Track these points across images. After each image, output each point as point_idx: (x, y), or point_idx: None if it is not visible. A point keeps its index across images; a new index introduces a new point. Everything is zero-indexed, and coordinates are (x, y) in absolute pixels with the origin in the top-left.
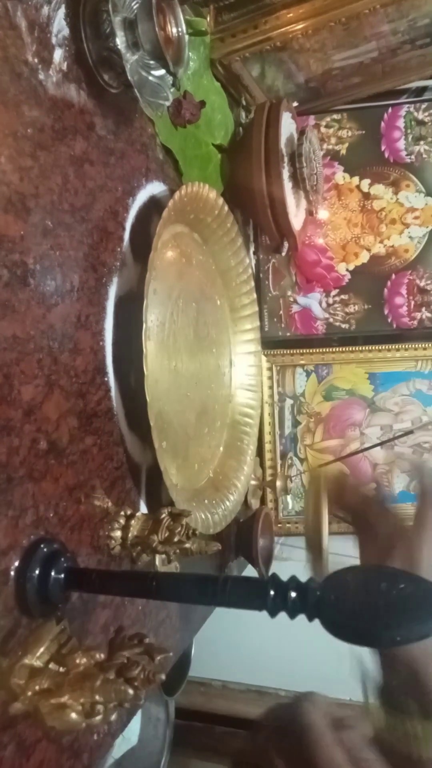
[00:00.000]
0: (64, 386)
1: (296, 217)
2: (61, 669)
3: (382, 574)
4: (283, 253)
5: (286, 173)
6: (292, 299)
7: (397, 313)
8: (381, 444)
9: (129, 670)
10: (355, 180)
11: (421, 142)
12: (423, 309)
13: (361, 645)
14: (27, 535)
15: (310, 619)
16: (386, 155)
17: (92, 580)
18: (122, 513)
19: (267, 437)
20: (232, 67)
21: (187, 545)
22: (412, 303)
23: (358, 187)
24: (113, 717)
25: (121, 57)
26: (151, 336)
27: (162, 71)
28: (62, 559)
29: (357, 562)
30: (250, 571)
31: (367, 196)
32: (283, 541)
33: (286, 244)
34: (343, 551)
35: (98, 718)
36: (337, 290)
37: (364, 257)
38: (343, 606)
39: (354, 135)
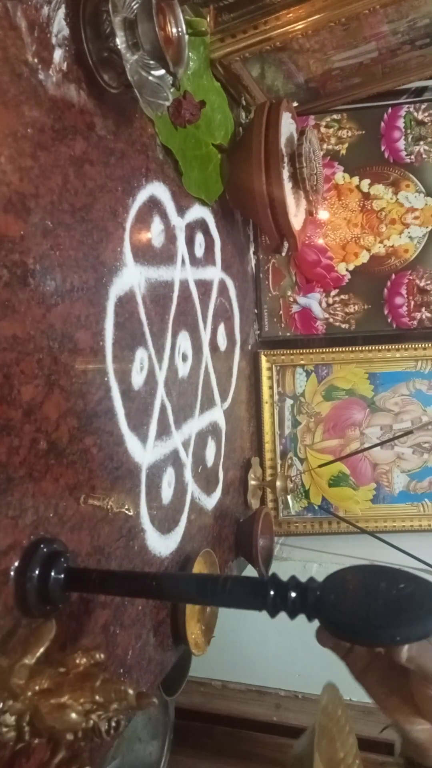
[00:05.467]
0: (64, 386)
1: (296, 217)
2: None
3: (382, 574)
4: (283, 253)
5: (286, 173)
6: (292, 299)
7: (397, 313)
8: (381, 444)
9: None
10: (355, 180)
11: (421, 142)
12: (423, 309)
13: (361, 644)
14: (27, 535)
15: (310, 618)
16: (386, 155)
17: (92, 580)
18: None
19: (267, 437)
20: (232, 68)
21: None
22: (412, 303)
23: (358, 187)
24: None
25: (121, 57)
26: None
27: (162, 71)
28: (62, 559)
29: (356, 562)
30: (250, 571)
31: (367, 196)
32: (283, 541)
33: (286, 244)
34: (344, 551)
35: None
36: (337, 290)
37: (364, 257)
38: (342, 606)
39: (354, 135)
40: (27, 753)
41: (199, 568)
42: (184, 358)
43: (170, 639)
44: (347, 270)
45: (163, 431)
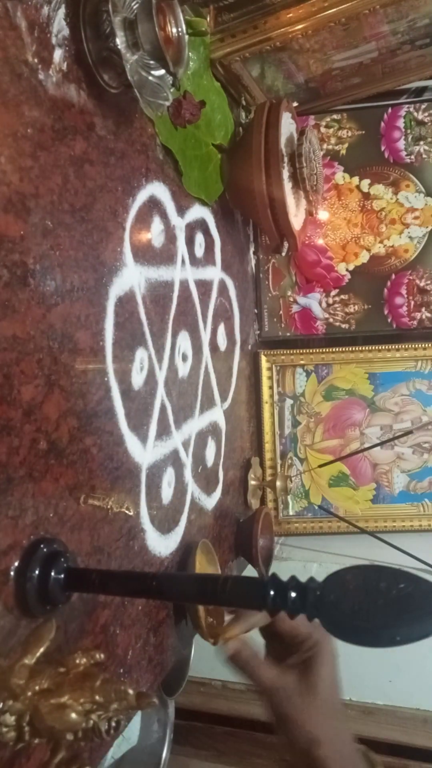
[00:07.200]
0: (64, 386)
1: (296, 217)
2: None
3: (382, 574)
4: (283, 253)
5: (286, 173)
6: (292, 299)
7: (397, 313)
8: (381, 444)
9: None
10: (355, 180)
11: (421, 142)
12: (423, 309)
13: (361, 645)
14: (27, 535)
15: (310, 618)
16: (386, 155)
17: (92, 580)
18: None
19: (267, 437)
20: (232, 67)
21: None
22: (412, 303)
23: (358, 187)
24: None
25: (121, 57)
26: None
27: (162, 71)
28: (62, 559)
29: (356, 562)
30: (250, 571)
31: (366, 196)
32: (283, 541)
33: (286, 244)
34: (344, 551)
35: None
36: (337, 290)
37: (364, 257)
38: (342, 606)
39: (354, 135)
40: (27, 753)
41: (199, 558)
42: (184, 358)
43: (170, 639)
44: (347, 270)
45: (163, 431)
